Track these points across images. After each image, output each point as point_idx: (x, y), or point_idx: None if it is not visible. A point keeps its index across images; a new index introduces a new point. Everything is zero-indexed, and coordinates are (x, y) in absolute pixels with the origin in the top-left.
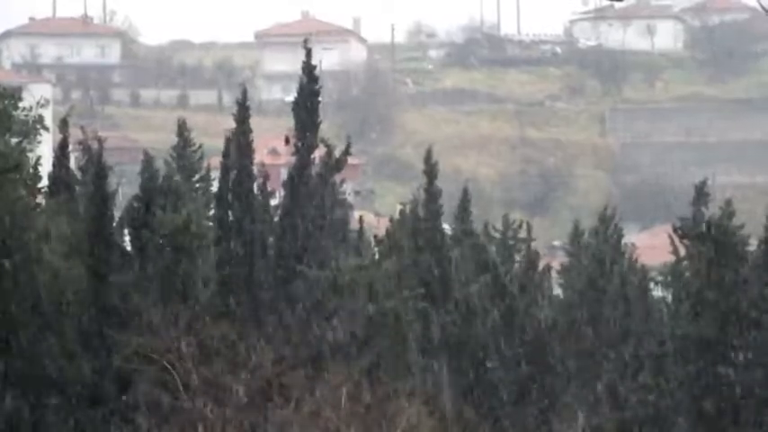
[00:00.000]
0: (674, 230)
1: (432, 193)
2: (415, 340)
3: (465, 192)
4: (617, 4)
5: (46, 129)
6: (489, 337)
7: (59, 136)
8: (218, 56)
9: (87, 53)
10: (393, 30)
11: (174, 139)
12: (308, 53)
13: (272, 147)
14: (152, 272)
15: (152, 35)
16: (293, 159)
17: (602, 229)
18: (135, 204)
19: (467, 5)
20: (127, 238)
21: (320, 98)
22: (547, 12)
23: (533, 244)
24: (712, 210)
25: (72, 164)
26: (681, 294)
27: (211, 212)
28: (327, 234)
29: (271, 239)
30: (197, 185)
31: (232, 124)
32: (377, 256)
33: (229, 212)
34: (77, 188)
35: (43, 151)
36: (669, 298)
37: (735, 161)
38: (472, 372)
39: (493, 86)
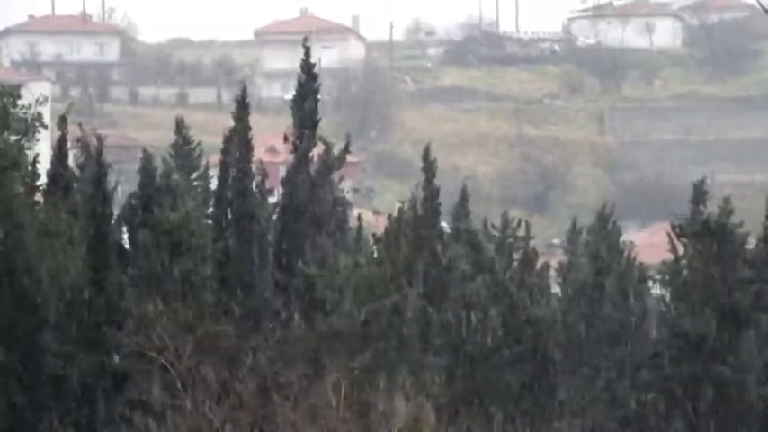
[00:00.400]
0: (673, 229)
1: (430, 191)
2: (414, 338)
3: (464, 190)
4: (616, 2)
5: (45, 126)
6: (488, 335)
7: (58, 134)
8: (217, 54)
9: (86, 51)
10: (392, 28)
11: (172, 137)
12: (307, 51)
13: (270, 145)
14: (150, 270)
15: (151, 33)
16: (292, 157)
17: (600, 227)
18: (133, 202)
19: (465, 3)
20: (125, 236)
21: (319, 96)
22: (545, 10)
23: (532, 242)
24: (711, 208)
25: (71, 162)
26: (679, 293)
27: (210, 210)
28: (326, 232)
29: (269, 237)
30: (195, 183)
31: (231, 122)
32: (375, 254)
33: (228, 210)
34: (76, 186)
35: (42, 149)
36: (668, 296)
37: (733, 159)
38: (471, 370)
39: (491, 84)
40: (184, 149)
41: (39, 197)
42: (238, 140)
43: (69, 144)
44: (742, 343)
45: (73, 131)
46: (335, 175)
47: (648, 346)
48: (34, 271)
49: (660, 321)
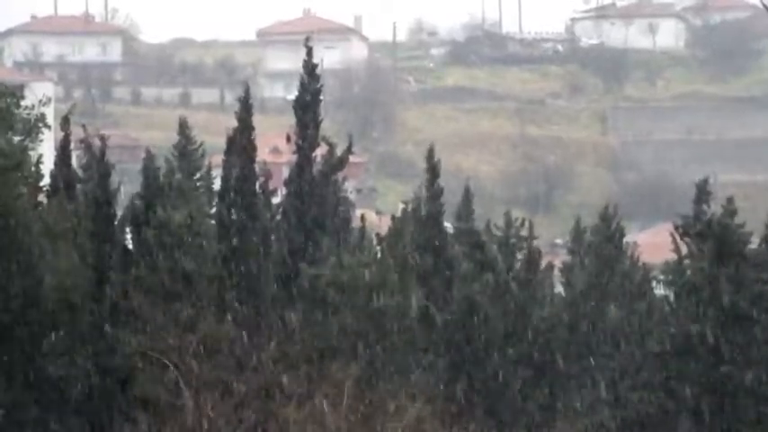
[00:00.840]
0: (676, 228)
1: (433, 192)
2: (417, 339)
3: (466, 190)
4: (619, 3)
5: (48, 127)
6: (491, 336)
7: (61, 134)
8: (219, 54)
9: (89, 51)
10: (395, 28)
11: (175, 138)
12: (310, 51)
13: (273, 145)
14: (154, 270)
15: (153, 33)
16: (295, 158)
17: (603, 227)
18: (137, 203)
19: (468, 3)
20: (129, 237)
21: (322, 96)
22: (548, 10)
23: (535, 242)
24: (714, 208)
25: (74, 162)
26: (682, 293)
27: (213, 211)
28: (329, 232)
29: (273, 238)
30: (198, 184)
31: (234, 122)
32: (378, 255)
33: (231, 211)
34: (79, 187)
35: (45, 150)
36: (671, 296)
37: (736, 159)
38: (474, 371)
39: (494, 84)
40: (187, 150)
41: (42, 198)
42: (241, 141)
43: (72, 145)
44: (746, 343)
45: (76, 132)
46: (338, 176)
47: (651, 346)
48: (37, 271)
49: (663, 322)
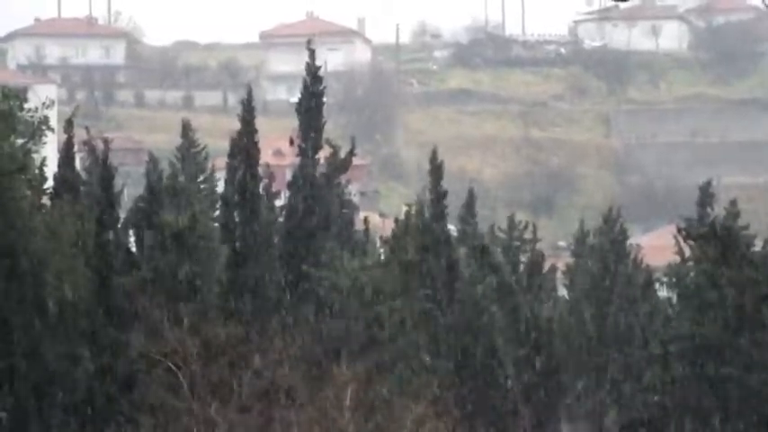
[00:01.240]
0: (679, 231)
1: (437, 194)
2: (421, 341)
3: (470, 192)
4: (622, 5)
5: (51, 129)
6: (495, 338)
7: (64, 137)
8: (222, 56)
9: (92, 54)
10: (398, 30)
11: (178, 140)
12: (313, 54)
13: (276, 148)
14: (157, 272)
15: (156, 36)
16: (298, 160)
17: (606, 229)
18: (140, 205)
19: (471, 6)
20: (132, 239)
21: (325, 99)
22: (551, 12)
23: (538, 244)
24: (717, 210)
25: (77, 165)
26: (686, 295)
27: (217, 213)
28: (332, 235)
29: (276, 240)
30: (202, 186)
31: (237, 125)
32: (382, 257)
33: (235, 213)
34: (82, 189)
35: (48, 152)
36: (674, 298)
37: (739, 161)
38: (478, 372)
39: (497, 87)
40: (190, 152)
41: (46, 200)
42: (245, 143)
43: (76, 147)
44: (748, 345)
45: (79, 135)
46: (342, 178)
47: (655, 348)
48: (41, 273)
49: (666, 323)
